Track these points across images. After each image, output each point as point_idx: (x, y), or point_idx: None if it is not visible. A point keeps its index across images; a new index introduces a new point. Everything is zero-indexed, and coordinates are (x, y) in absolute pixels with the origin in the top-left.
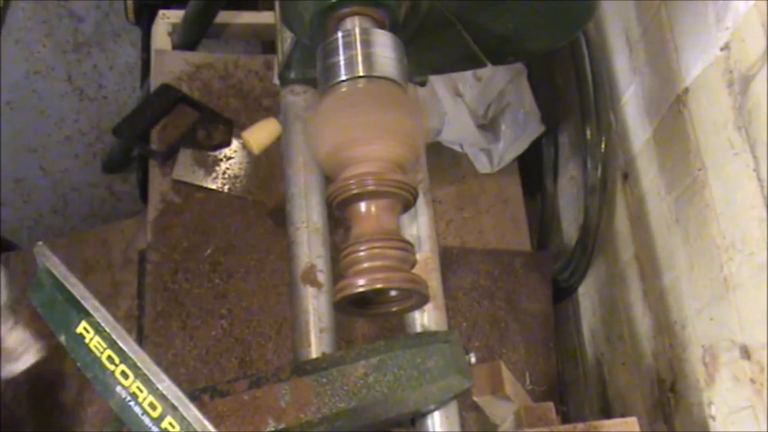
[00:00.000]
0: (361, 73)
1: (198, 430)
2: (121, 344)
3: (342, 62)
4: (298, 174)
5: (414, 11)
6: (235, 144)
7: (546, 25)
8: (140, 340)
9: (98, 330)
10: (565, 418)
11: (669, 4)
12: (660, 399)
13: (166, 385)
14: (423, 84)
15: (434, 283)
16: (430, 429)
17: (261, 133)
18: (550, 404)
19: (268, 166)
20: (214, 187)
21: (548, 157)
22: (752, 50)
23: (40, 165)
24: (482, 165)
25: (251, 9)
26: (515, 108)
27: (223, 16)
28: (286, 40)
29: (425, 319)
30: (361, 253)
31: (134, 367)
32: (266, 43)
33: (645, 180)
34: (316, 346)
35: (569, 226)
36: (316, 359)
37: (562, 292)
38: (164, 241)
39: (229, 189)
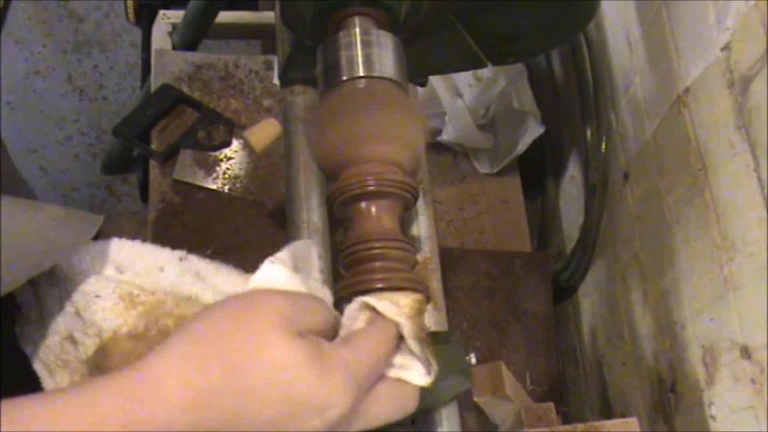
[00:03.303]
0: (361, 74)
1: None
2: None
3: (342, 62)
4: (298, 174)
5: (414, 11)
6: (235, 144)
7: (547, 26)
8: None
9: None
10: (566, 419)
11: (669, 5)
12: (660, 399)
13: None
14: (423, 84)
15: (434, 284)
16: (430, 429)
17: (262, 133)
18: (551, 404)
19: (269, 167)
20: (214, 187)
21: (548, 157)
22: (752, 50)
23: (40, 165)
24: (482, 165)
25: (251, 9)
26: (515, 108)
27: (223, 16)
28: (286, 40)
29: (425, 319)
30: (361, 254)
31: None
32: (266, 43)
33: (645, 180)
34: None
35: (569, 227)
36: None
37: (563, 293)
38: (164, 241)
39: (230, 189)
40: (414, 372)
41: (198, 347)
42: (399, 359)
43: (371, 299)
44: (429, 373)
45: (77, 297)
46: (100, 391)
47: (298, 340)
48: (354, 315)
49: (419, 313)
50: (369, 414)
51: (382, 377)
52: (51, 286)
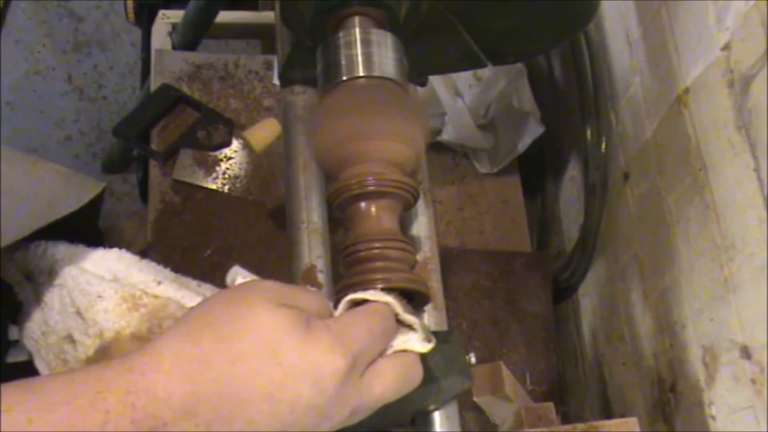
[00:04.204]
0: (361, 73)
1: None
2: None
3: (342, 62)
4: (298, 174)
5: (414, 11)
6: (235, 144)
7: (547, 25)
8: None
9: None
10: (566, 419)
11: (669, 5)
12: (660, 399)
13: None
14: (423, 84)
15: (434, 284)
16: (430, 429)
17: (262, 133)
18: (551, 404)
19: (268, 167)
20: (214, 187)
21: (548, 157)
22: (752, 50)
23: None
24: (482, 165)
25: (251, 9)
26: (515, 108)
27: (223, 16)
28: (286, 40)
29: (425, 319)
30: (361, 254)
31: None
32: (266, 43)
33: (645, 180)
34: None
35: (569, 227)
36: None
37: (563, 292)
38: (164, 241)
39: (229, 189)
40: (413, 341)
41: (192, 324)
42: (398, 339)
43: (358, 294)
44: (428, 339)
45: (79, 297)
46: (105, 366)
47: (283, 309)
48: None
49: (396, 297)
50: (373, 391)
51: (382, 355)
52: (52, 286)
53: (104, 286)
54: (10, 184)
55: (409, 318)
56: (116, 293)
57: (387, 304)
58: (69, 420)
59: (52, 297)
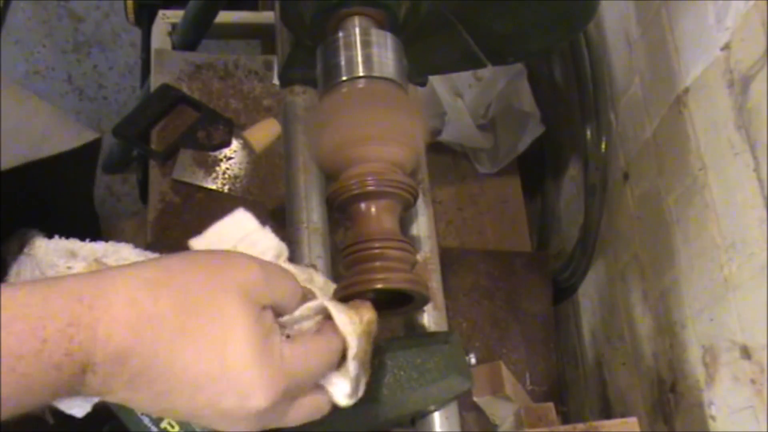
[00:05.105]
0: (360, 74)
1: (197, 430)
2: None
3: (342, 63)
4: (298, 174)
5: (414, 11)
6: (235, 144)
7: (546, 26)
8: None
9: None
10: (566, 419)
11: (669, 5)
12: (660, 399)
13: None
14: (423, 84)
15: (434, 284)
16: (430, 429)
17: (262, 133)
18: (551, 404)
19: (268, 167)
20: (214, 187)
21: (548, 157)
22: (752, 50)
23: None
24: (482, 165)
25: (251, 9)
26: (515, 108)
27: (223, 16)
28: (286, 40)
29: (425, 319)
30: (361, 254)
31: None
32: (266, 43)
33: (645, 180)
34: None
35: (569, 227)
36: None
37: (562, 293)
38: (164, 241)
39: (230, 189)
40: (338, 389)
41: (161, 275)
42: (333, 376)
43: (332, 307)
44: (352, 396)
45: (47, 270)
46: (53, 288)
47: (253, 312)
48: (307, 314)
49: (369, 333)
50: (286, 417)
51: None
52: (26, 255)
53: (73, 261)
54: (4, 116)
55: (349, 367)
56: (88, 263)
57: (345, 343)
58: (5, 343)
59: (24, 267)
